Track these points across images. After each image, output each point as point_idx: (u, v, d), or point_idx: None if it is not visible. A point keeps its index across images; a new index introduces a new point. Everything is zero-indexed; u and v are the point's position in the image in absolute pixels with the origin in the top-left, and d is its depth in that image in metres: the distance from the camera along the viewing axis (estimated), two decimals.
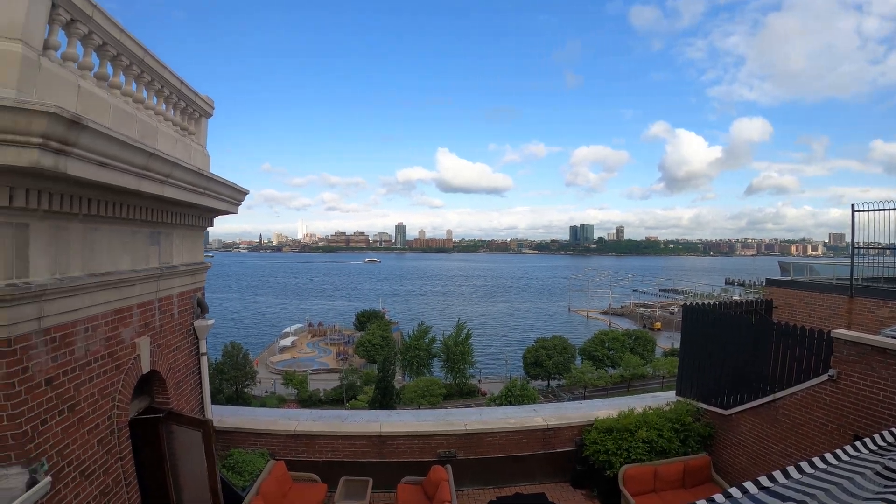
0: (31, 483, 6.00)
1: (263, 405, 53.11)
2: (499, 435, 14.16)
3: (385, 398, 57.62)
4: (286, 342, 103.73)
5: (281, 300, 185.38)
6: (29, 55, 5.83)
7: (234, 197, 11.16)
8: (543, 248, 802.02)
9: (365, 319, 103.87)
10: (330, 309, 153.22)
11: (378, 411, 22.18)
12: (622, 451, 13.11)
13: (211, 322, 11.43)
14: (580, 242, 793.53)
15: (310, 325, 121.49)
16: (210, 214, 11.39)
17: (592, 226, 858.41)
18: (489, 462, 14.04)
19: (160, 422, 9.71)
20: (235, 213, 11.59)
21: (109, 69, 7.81)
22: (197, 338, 11.39)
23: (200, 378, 11.66)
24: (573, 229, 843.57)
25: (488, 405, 50.47)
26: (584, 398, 54.84)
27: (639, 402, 15.36)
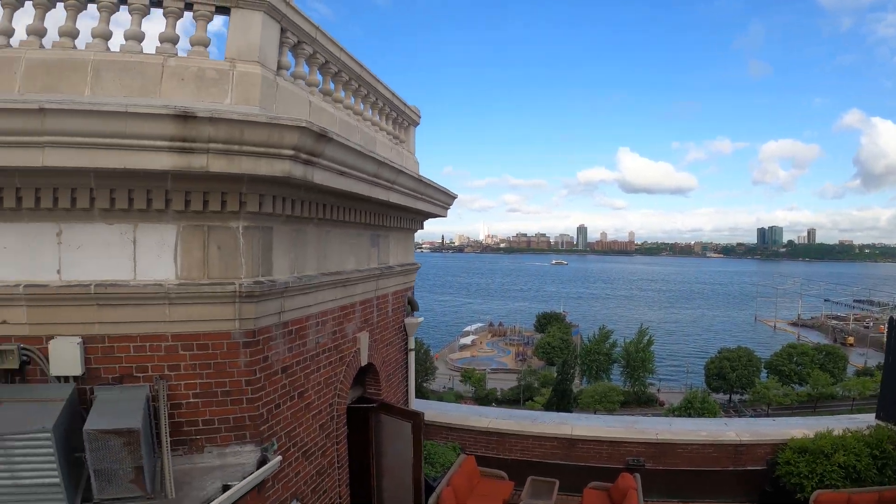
0: (262, 461, 6.56)
1: (441, 400, 54.55)
2: (689, 447, 13.59)
3: (562, 401, 57.03)
4: (466, 340, 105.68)
5: (463, 299, 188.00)
6: (267, 75, 6.42)
7: (445, 201, 11.70)
8: (729, 251, 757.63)
9: (546, 321, 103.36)
10: (511, 309, 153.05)
11: (566, 414, 22.07)
12: (815, 474, 12.09)
13: (420, 320, 12.04)
14: (768, 246, 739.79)
15: (490, 324, 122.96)
16: (422, 218, 12.00)
17: (781, 228, 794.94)
18: (676, 474, 13.51)
19: (371, 411, 10.32)
20: (445, 216, 12.14)
21: (331, 85, 8.41)
22: (406, 334, 12.02)
23: (407, 372, 12.29)
24: (760, 231, 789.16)
25: (666, 416, 48.64)
26: (768, 416, 51.30)
27: (836, 424, 14.07)
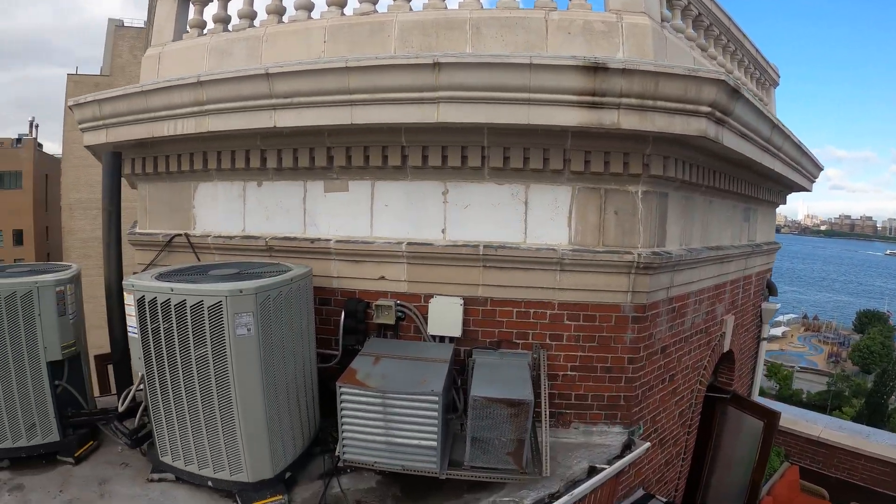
0: (627, 444, 6.11)
1: None
2: None
3: (873, 416, 49.87)
4: (777, 331, 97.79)
5: (778, 285, 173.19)
6: (655, 27, 5.81)
7: (813, 173, 10.33)
8: None
9: (867, 321, 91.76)
10: (829, 302, 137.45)
11: None
12: None
13: (777, 306, 11.01)
14: None
15: (805, 317, 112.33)
16: (787, 191, 10.83)
17: None
18: None
19: (720, 402, 9.53)
20: (810, 190, 10.77)
21: (703, 40, 7.63)
22: (761, 321, 10.99)
23: (756, 363, 11.28)
24: None
25: None
26: None
27: None
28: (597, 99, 4.99)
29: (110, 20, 47.68)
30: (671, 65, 5.08)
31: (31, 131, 67.11)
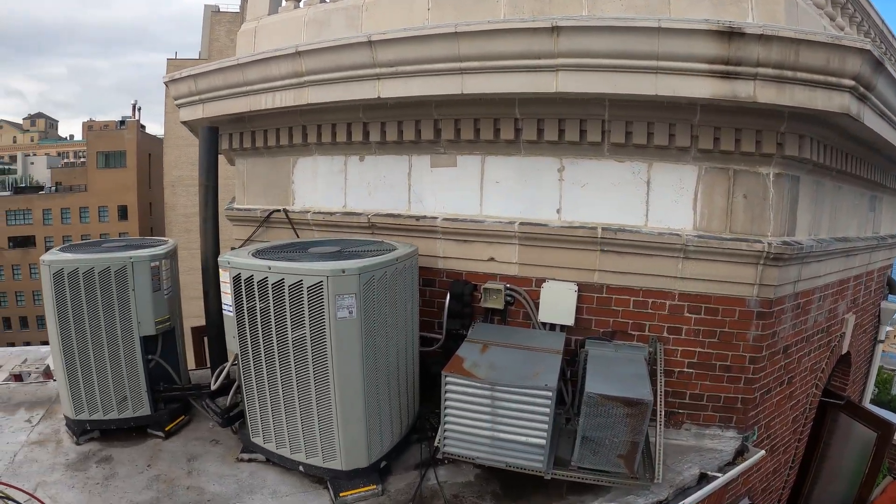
0: (740, 451, 5.65)
1: None
2: None
3: None
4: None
5: None
6: None
7: None
8: None
9: None
10: None
11: None
12: None
13: None
14: None
15: None
16: None
17: None
18: None
19: (829, 407, 8.86)
20: None
21: (830, 7, 6.90)
22: (879, 321, 10.25)
23: (870, 367, 10.60)
24: None
25: None
26: None
27: None
28: (731, 68, 4.51)
29: (206, 6, 49.46)
30: (813, 31, 4.55)
31: (133, 114, 70.72)
